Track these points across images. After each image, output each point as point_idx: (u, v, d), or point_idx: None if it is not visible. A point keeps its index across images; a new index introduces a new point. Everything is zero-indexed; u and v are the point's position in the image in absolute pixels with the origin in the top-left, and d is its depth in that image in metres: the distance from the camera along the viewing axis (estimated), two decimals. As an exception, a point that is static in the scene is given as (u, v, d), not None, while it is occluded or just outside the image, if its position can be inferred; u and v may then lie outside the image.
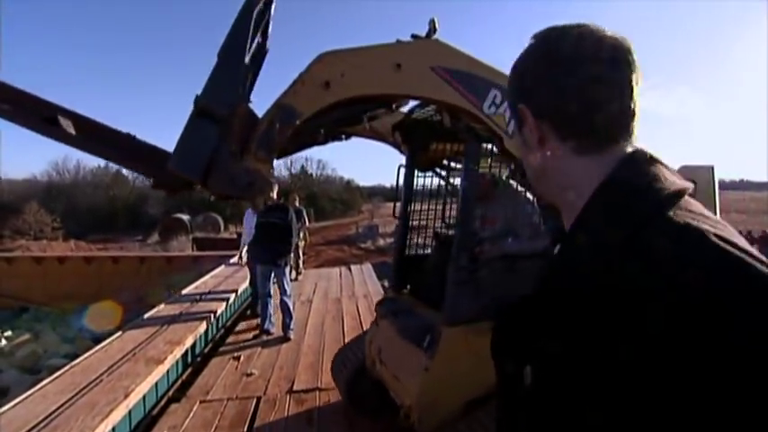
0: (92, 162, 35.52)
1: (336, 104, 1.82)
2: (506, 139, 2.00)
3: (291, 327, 4.61)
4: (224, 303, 4.89)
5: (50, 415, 2.37)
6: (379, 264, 9.27)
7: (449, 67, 1.87)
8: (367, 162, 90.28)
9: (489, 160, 2.26)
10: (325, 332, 4.77)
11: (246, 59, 1.75)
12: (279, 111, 1.77)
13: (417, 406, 2.01)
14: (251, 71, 1.85)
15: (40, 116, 1.70)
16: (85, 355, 3.25)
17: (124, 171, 34.32)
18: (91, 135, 1.78)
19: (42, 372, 4.46)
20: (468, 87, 1.90)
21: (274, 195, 4.54)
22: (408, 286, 2.74)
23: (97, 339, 5.40)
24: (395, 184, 2.79)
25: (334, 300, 6.11)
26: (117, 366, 3.03)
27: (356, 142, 2.73)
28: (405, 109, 2.42)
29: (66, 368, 3.02)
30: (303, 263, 7.97)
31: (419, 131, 2.52)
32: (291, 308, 4.64)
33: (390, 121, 2.50)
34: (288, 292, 4.59)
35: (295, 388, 3.53)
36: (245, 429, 2.94)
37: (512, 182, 2.45)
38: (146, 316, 4.26)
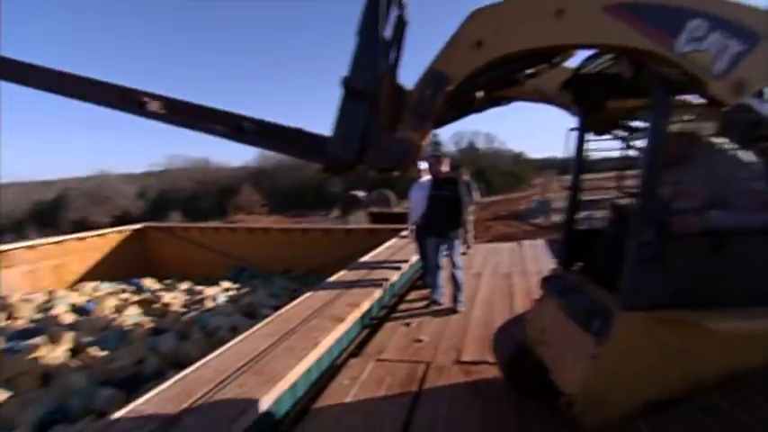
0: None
1: (491, 64, 1.75)
2: (714, 83, 1.63)
3: (460, 299, 4.75)
4: (397, 272, 5.36)
5: (262, 351, 3.08)
6: (553, 241, 8.68)
7: (625, 1, 1.60)
8: (538, 133, 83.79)
9: (685, 115, 1.88)
10: (495, 307, 4.78)
11: (385, 33, 1.81)
12: (429, 77, 1.79)
13: (581, 397, 1.87)
14: (392, 44, 1.90)
15: (231, 126, 2.12)
16: (284, 309, 4.05)
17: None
18: (269, 134, 2.12)
19: (257, 318, 5.74)
20: (654, 23, 1.59)
21: (446, 168, 4.70)
22: (579, 263, 2.53)
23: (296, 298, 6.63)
24: (567, 152, 2.57)
25: (503, 275, 6.04)
26: (308, 320, 3.70)
27: (526, 112, 2.59)
28: (571, 63, 2.18)
29: (271, 318, 3.83)
30: (473, 237, 8.03)
31: (592, 88, 2.23)
32: (461, 281, 4.77)
33: (557, 79, 2.29)
34: (458, 265, 4.75)
35: (462, 358, 3.66)
36: (415, 390, 3.19)
37: (718, 140, 1.99)
38: (330, 280, 5.01)
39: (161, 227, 11.13)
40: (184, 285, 7.28)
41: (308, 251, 9.37)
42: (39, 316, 5.98)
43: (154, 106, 2.22)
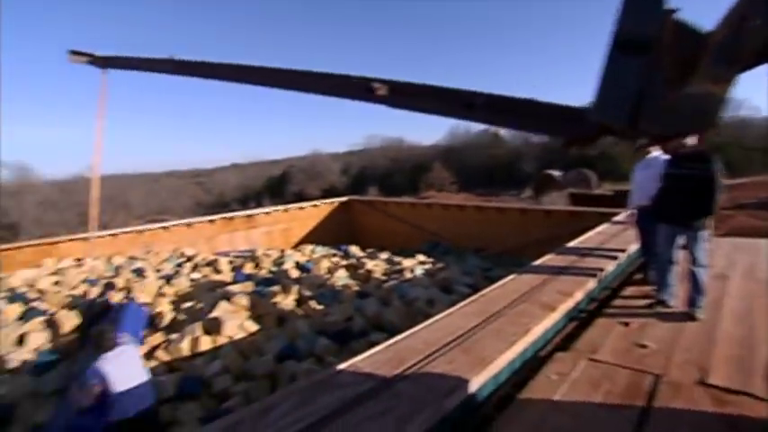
0: (476, 126, 42.15)
1: None
2: None
3: (700, 304, 3.81)
4: (612, 262, 4.62)
5: (469, 330, 2.97)
6: None
7: None
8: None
9: None
10: (755, 323, 3.65)
11: None
12: (758, 2, 1.29)
13: None
14: None
15: (460, 103, 1.96)
16: (488, 289, 3.87)
17: (501, 132, 38.77)
18: (502, 109, 1.90)
19: (452, 294, 5.77)
20: None
21: (692, 141, 3.74)
22: None
23: (492, 277, 6.45)
24: None
25: (762, 281, 4.60)
26: (515, 304, 3.44)
27: None
28: None
29: (474, 297, 3.69)
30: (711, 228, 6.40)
31: None
32: (703, 282, 3.81)
33: None
34: (703, 262, 3.79)
35: (710, 381, 2.89)
36: (642, 404, 2.66)
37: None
38: (535, 263, 4.62)
39: (363, 200, 12.36)
40: (384, 255, 7.87)
41: (502, 231, 9.04)
42: (275, 269, 7.31)
43: (382, 90, 2.29)
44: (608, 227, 6.38)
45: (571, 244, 5.45)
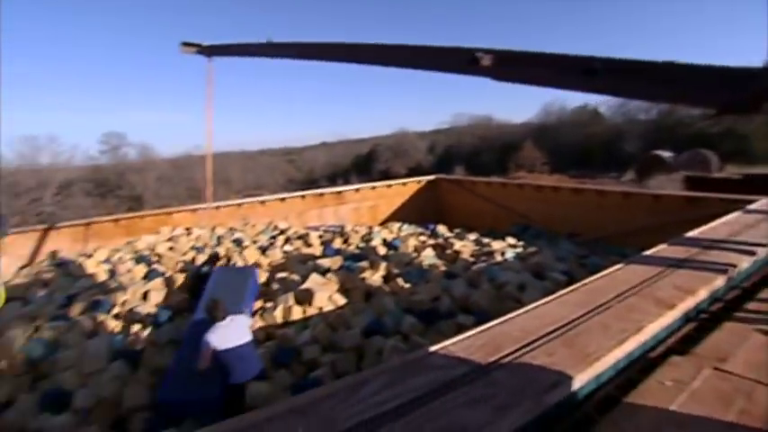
0: (573, 102, 39.06)
1: None
2: None
3: None
4: (747, 258, 3.99)
5: (571, 321, 2.75)
6: None
7: None
8: None
9: None
10: None
11: None
12: None
13: None
14: None
15: (580, 70, 1.73)
16: (593, 277, 3.56)
17: (601, 109, 35.44)
18: (632, 75, 1.64)
19: (546, 280, 5.44)
20: None
21: None
22: None
23: (588, 265, 5.97)
24: None
25: None
26: (624, 297, 3.12)
27: None
28: None
29: (577, 285, 3.42)
30: None
31: None
32: None
33: None
34: None
35: None
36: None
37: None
38: (646, 253, 4.16)
39: (451, 179, 12.12)
40: (472, 236, 7.67)
41: (601, 215, 8.31)
42: (362, 245, 7.48)
43: (486, 61, 2.14)
44: (739, 216, 5.53)
45: (690, 234, 4.81)
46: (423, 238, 7.80)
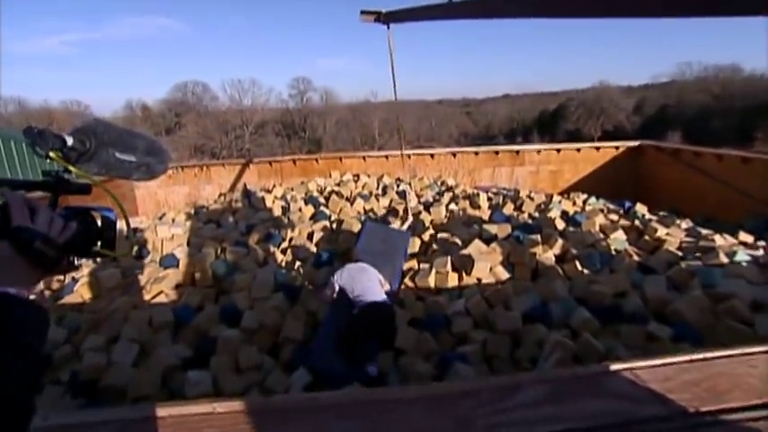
0: None
1: None
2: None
3: None
4: None
5: None
6: None
7: None
8: None
9: None
10: None
11: None
12: None
13: None
14: None
15: None
16: None
17: None
18: None
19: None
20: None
21: None
22: None
23: None
24: None
25: None
26: None
27: None
28: None
29: None
30: None
31: None
32: None
33: None
34: None
35: None
36: None
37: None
38: None
39: (663, 147, 10.09)
40: (684, 223, 6.27)
41: None
42: (537, 214, 6.86)
43: None
44: None
45: None
46: (614, 216, 6.73)
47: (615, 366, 2.04)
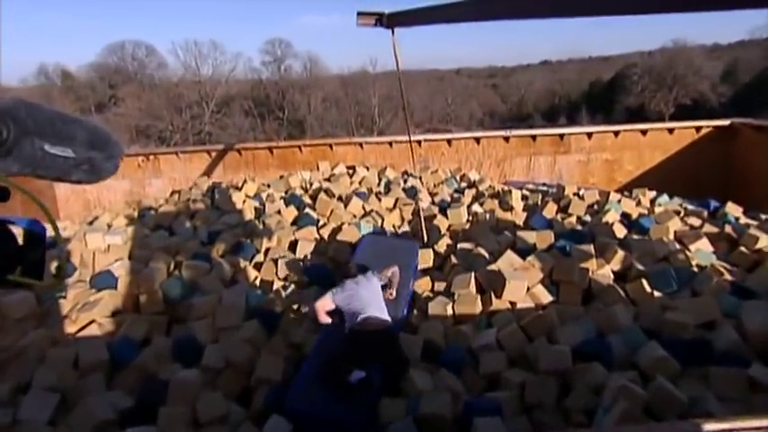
0: None
1: None
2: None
3: None
4: None
5: None
6: None
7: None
8: None
9: None
10: None
11: None
12: None
13: None
14: None
15: None
16: None
17: None
18: None
19: None
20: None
21: None
22: None
23: None
24: None
25: None
26: None
27: None
28: None
29: None
30: None
31: None
32: None
33: None
34: None
35: None
36: None
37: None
38: None
39: (765, 127, 10.00)
40: (793, 230, 6.27)
41: None
42: (588, 218, 6.85)
43: None
44: None
45: None
46: (695, 220, 6.70)
47: (708, 426, 1.99)
